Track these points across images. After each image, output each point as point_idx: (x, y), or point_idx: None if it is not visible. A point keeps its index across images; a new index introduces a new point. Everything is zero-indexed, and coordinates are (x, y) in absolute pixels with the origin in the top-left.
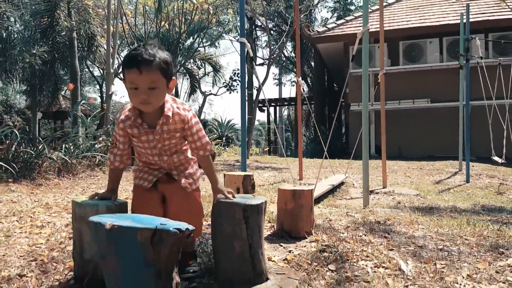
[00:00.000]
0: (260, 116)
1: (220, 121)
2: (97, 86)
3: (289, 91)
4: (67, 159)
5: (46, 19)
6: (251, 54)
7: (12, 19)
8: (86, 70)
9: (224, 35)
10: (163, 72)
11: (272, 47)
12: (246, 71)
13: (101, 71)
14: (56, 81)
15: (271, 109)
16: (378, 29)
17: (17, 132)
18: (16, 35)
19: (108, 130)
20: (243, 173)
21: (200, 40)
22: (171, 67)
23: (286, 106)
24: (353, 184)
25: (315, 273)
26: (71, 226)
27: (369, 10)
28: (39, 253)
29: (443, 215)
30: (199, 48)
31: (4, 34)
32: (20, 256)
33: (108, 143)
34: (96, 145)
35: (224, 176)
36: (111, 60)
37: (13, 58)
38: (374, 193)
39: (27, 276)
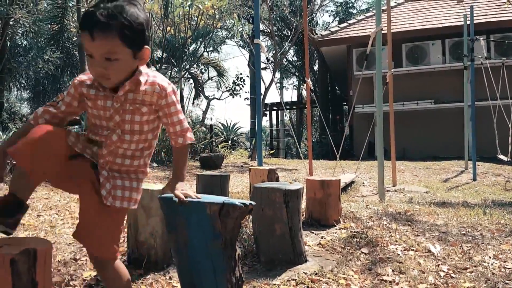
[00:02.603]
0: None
1: (226, 125)
2: None
3: (290, 95)
4: None
5: (56, 25)
6: (267, 55)
7: (26, 25)
8: None
9: (226, 40)
10: (125, 40)
11: (275, 51)
12: (249, 75)
13: None
14: (60, 87)
15: (273, 113)
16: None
17: None
18: (30, 41)
19: None
20: (267, 168)
21: (205, 45)
22: (142, 33)
23: (288, 110)
24: (363, 183)
25: (350, 255)
26: None
27: (372, 13)
28: None
29: (458, 209)
30: (203, 53)
31: (18, 41)
32: (69, 243)
33: None
34: None
35: (250, 171)
36: None
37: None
38: (385, 190)
39: (81, 260)
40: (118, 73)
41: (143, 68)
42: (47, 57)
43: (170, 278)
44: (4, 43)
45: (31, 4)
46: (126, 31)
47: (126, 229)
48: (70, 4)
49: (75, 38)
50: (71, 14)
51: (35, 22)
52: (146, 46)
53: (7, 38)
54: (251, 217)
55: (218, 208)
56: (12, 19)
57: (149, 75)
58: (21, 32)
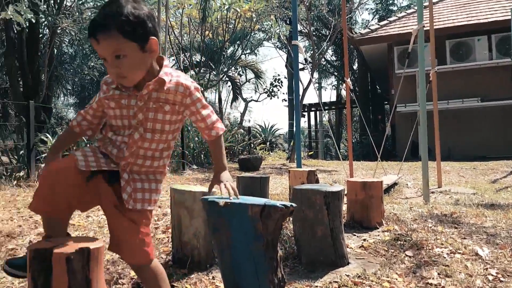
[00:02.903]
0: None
1: (264, 126)
2: None
3: (329, 95)
4: None
5: None
6: (305, 56)
7: (72, 33)
8: None
9: (264, 42)
10: (127, 35)
11: (314, 51)
12: (287, 76)
13: None
14: None
15: (311, 114)
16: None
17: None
18: (75, 49)
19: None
20: (307, 169)
21: (243, 47)
22: (142, 25)
23: (326, 111)
24: (407, 185)
25: (394, 258)
26: (153, 218)
27: (413, 10)
28: None
29: (507, 211)
30: (241, 56)
31: (65, 49)
32: None
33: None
34: None
35: (289, 172)
36: None
37: (72, 71)
38: (430, 192)
39: None
40: (131, 69)
41: (167, 68)
42: (92, 63)
43: (213, 278)
44: (52, 52)
45: (76, 13)
46: (125, 26)
47: (170, 230)
48: None
49: None
50: None
51: (80, 30)
52: (152, 37)
53: (54, 47)
54: (291, 219)
55: (260, 210)
56: (59, 28)
57: (172, 75)
58: (67, 40)
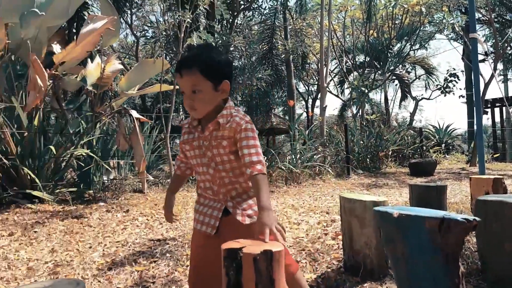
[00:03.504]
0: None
1: (438, 127)
2: (302, 102)
3: None
4: (293, 169)
5: (266, 45)
6: (485, 49)
7: (243, 49)
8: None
9: (435, 34)
10: (205, 74)
11: (496, 40)
12: (464, 70)
13: (306, 87)
14: (270, 101)
15: (496, 110)
16: None
17: None
18: (243, 62)
19: (324, 142)
20: (492, 176)
21: (411, 43)
22: (220, 69)
23: None
24: None
25: None
26: (322, 224)
27: None
28: (304, 244)
29: None
30: (409, 52)
31: (235, 63)
32: (289, 246)
33: (326, 153)
34: (314, 156)
35: (470, 179)
36: (324, 75)
37: (242, 83)
38: None
39: (301, 263)
40: (202, 103)
41: (227, 110)
42: (259, 75)
43: None
44: None
45: (246, 30)
46: (205, 67)
47: (340, 236)
48: (277, 23)
49: (283, 55)
50: (278, 33)
51: (250, 45)
52: (226, 80)
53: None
54: (474, 232)
55: (438, 223)
56: (232, 45)
57: (231, 114)
58: (238, 55)
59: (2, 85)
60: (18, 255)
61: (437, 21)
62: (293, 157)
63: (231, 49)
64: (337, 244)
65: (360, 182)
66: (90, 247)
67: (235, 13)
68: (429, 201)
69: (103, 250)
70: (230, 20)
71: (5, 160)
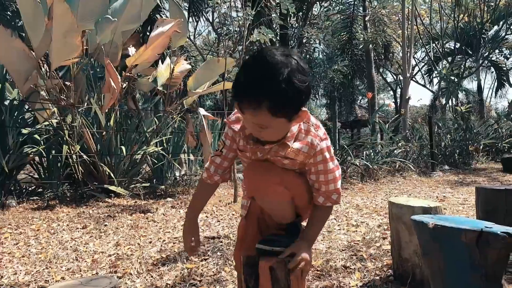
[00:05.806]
0: None
1: None
2: (391, 92)
3: None
4: (369, 165)
5: (344, 35)
6: None
7: (317, 41)
8: (379, 77)
9: None
10: (276, 114)
11: None
12: None
13: (394, 77)
14: (353, 92)
15: None
16: None
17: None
18: (319, 55)
19: (406, 135)
20: None
21: (508, 26)
22: (300, 100)
23: None
24: None
25: None
26: (383, 226)
27: None
28: (357, 249)
29: None
30: (506, 36)
31: (310, 56)
32: (342, 250)
33: (407, 148)
34: (395, 151)
35: None
36: (407, 65)
37: (317, 76)
38: None
39: (350, 268)
40: (272, 136)
41: (296, 127)
42: (335, 67)
43: None
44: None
45: (321, 21)
46: (278, 104)
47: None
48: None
49: (361, 46)
50: (358, 23)
51: (325, 36)
52: (303, 109)
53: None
54: None
55: (476, 236)
56: (305, 37)
57: (299, 133)
58: (314, 47)
59: (83, 88)
60: (87, 247)
61: None
62: (371, 152)
63: (304, 41)
64: (385, 250)
65: (445, 179)
66: (150, 242)
67: (310, 5)
68: (497, 206)
69: (161, 246)
70: (304, 12)
71: (85, 157)
